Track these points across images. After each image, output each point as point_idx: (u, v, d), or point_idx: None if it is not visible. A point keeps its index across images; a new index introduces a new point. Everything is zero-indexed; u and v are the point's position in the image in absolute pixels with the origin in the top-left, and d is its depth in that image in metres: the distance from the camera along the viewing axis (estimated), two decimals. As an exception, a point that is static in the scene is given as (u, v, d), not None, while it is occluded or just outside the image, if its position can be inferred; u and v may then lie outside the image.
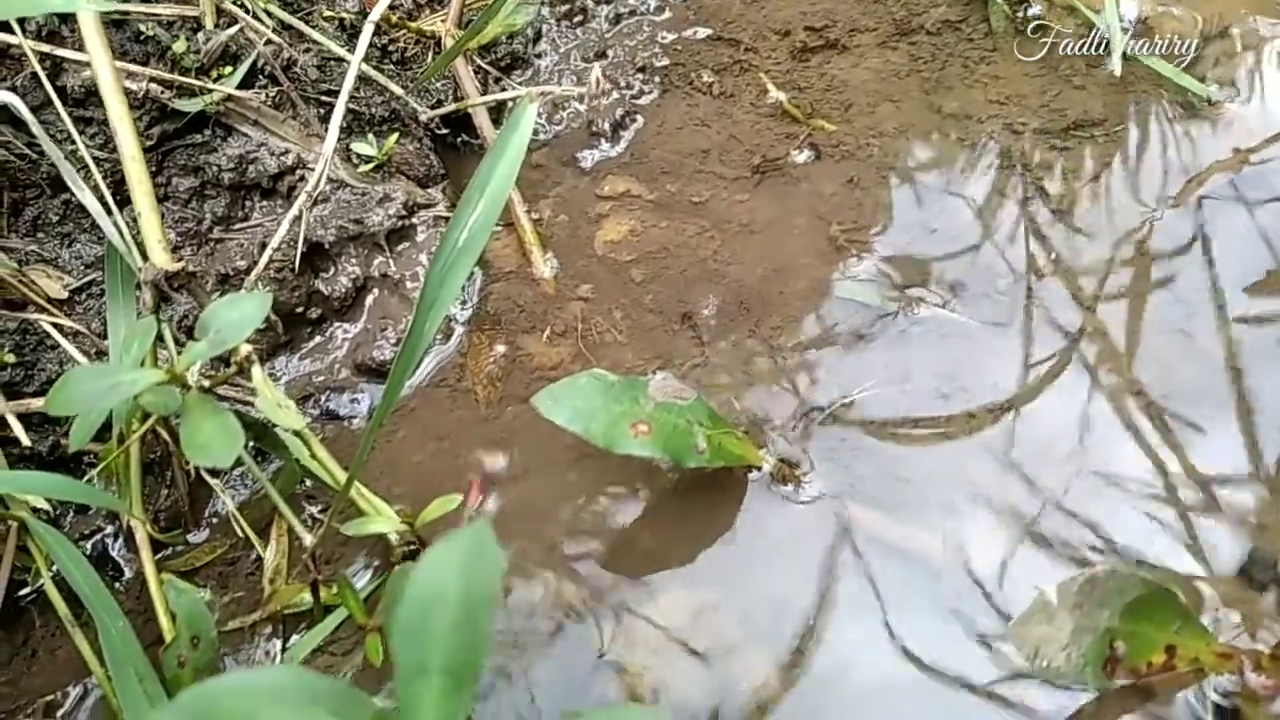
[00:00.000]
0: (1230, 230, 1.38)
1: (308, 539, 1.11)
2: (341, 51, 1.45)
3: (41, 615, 1.18)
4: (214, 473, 1.22)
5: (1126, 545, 1.12)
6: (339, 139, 1.32)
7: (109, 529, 1.23)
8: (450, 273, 1.02)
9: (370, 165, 1.43)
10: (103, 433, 1.08)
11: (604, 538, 1.18)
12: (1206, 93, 1.50)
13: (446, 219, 1.43)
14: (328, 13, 1.51)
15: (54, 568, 1.13)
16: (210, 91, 1.36)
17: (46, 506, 1.14)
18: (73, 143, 1.28)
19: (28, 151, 1.29)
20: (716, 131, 1.56)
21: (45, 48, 1.30)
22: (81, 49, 1.31)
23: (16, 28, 1.27)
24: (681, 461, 1.13)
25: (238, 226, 1.39)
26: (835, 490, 1.18)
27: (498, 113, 1.59)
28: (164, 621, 1.11)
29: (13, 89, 1.26)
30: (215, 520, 1.24)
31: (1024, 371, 1.27)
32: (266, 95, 1.40)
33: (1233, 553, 1.10)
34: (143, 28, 1.35)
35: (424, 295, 1.02)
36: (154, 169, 1.34)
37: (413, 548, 1.16)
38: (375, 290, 1.39)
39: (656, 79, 1.64)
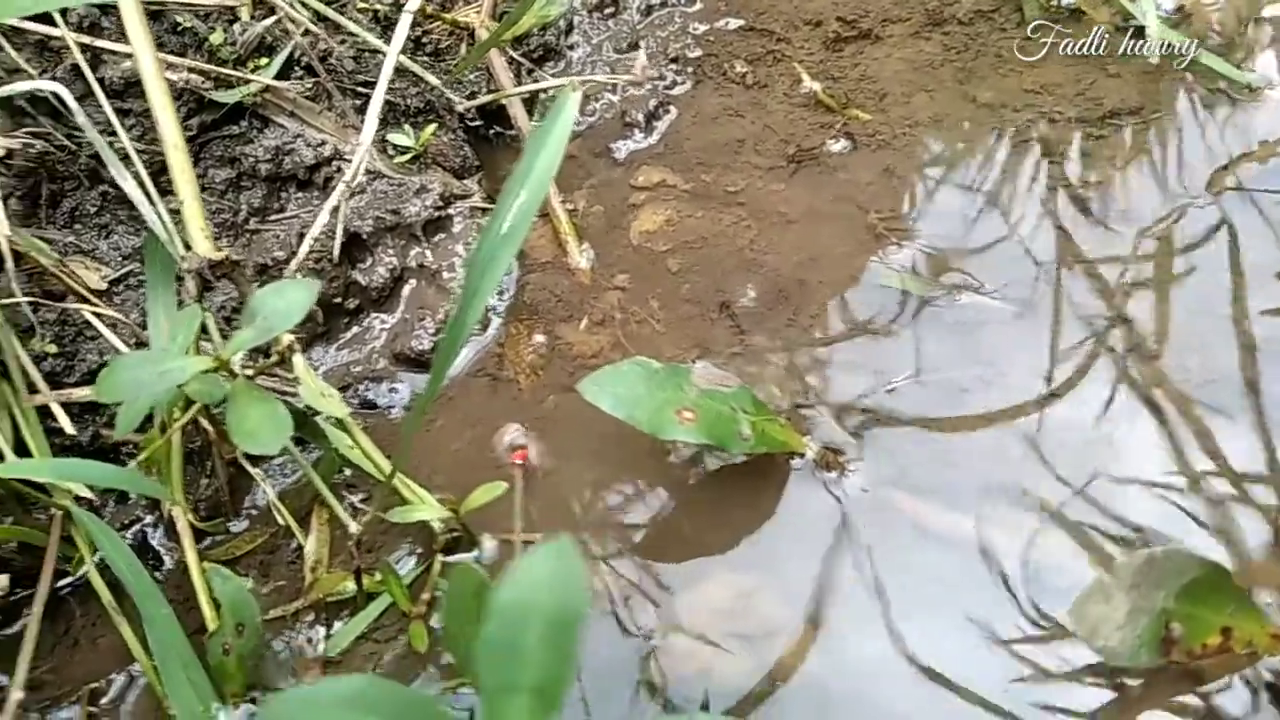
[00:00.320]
0: (1263, 219, 1.37)
1: (353, 526, 1.11)
2: (378, 43, 1.45)
3: (82, 605, 1.18)
4: (254, 462, 1.22)
5: (1172, 531, 1.11)
6: (375, 130, 1.32)
7: (148, 519, 1.23)
8: (493, 261, 1.01)
9: (407, 156, 1.43)
10: (142, 424, 1.08)
11: (646, 524, 1.18)
12: (1245, 79, 1.49)
13: (483, 210, 1.43)
14: (361, 4, 1.51)
15: (96, 555, 1.13)
16: (247, 82, 1.36)
17: (90, 496, 1.14)
18: (112, 134, 1.28)
19: (66, 143, 1.29)
20: (750, 121, 1.56)
21: (86, 39, 1.30)
22: (121, 40, 1.31)
23: (59, 19, 1.27)
24: (727, 447, 1.12)
25: (274, 218, 1.39)
26: (879, 476, 1.18)
27: (530, 104, 1.59)
28: (206, 610, 1.11)
29: (53, 80, 1.26)
30: (254, 510, 1.24)
31: (1065, 357, 1.26)
32: (303, 86, 1.40)
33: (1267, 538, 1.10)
34: (180, 19, 1.36)
35: (467, 283, 1.01)
36: (192, 160, 1.33)
37: (456, 535, 1.16)
38: (412, 281, 1.39)
39: (689, 69, 1.63)
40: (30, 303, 1.21)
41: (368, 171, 1.39)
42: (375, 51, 1.47)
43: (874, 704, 1.03)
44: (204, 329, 1.18)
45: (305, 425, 1.16)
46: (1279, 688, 0.97)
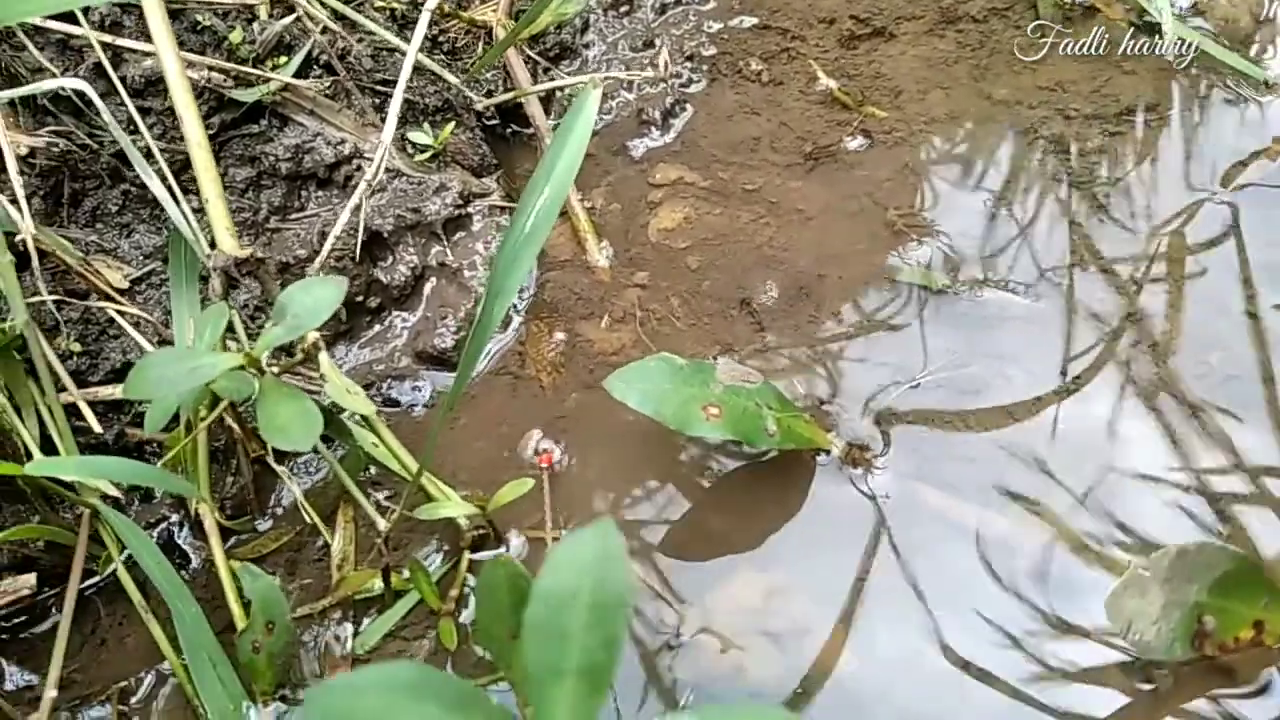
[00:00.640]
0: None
1: (381, 523, 1.11)
2: (397, 41, 1.45)
3: (108, 604, 1.18)
4: (279, 460, 1.22)
5: (1192, 527, 1.12)
6: (395, 128, 1.32)
7: (174, 517, 1.23)
8: (516, 261, 1.02)
9: (426, 155, 1.43)
10: (167, 423, 1.08)
11: (673, 521, 1.18)
12: (1262, 75, 1.50)
13: (502, 208, 1.43)
14: (379, 2, 1.51)
15: (124, 554, 1.13)
16: (267, 81, 1.36)
17: (116, 494, 1.14)
18: (134, 132, 1.28)
19: (88, 142, 1.29)
20: (767, 119, 1.56)
21: (108, 38, 1.30)
22: (142, 39, 1.31)
23: (81, 18, 1.27)
24: (753, 443, 1.13)
25: (294, 216, 1.39)
26: (905, 472, 1.18)
27: (547, 103, 1.59)
28: (234, 608, 1.12)
29: (77, 79, 1.26)
30: (280, 508, 1.24)
31: (1084, 353, 1.27)
32: (322, 85, 1.39)
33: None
34: (199, 18, 1.36)
35: (492, 282, 1.02)
36: (213, 159, 1.34)
37: (482, 532, 1.16)
38: (433, 279, 1.39)
39: (704, 67, 1.64)
40: (55, 301, 1.21)
41: (387, 170, 1.39)
42: (393, 50, 1.47)
43: (905, 702, 1.04)
44: (229, 326, 1.18)
45: (331, 423, 1.16)
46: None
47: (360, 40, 1.45)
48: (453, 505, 1.13)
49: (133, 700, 1.11)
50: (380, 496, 1.23)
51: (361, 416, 1.17)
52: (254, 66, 1.37)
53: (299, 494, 1.19)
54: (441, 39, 1.56)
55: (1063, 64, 1.58)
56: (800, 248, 1.40)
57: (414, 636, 1.13)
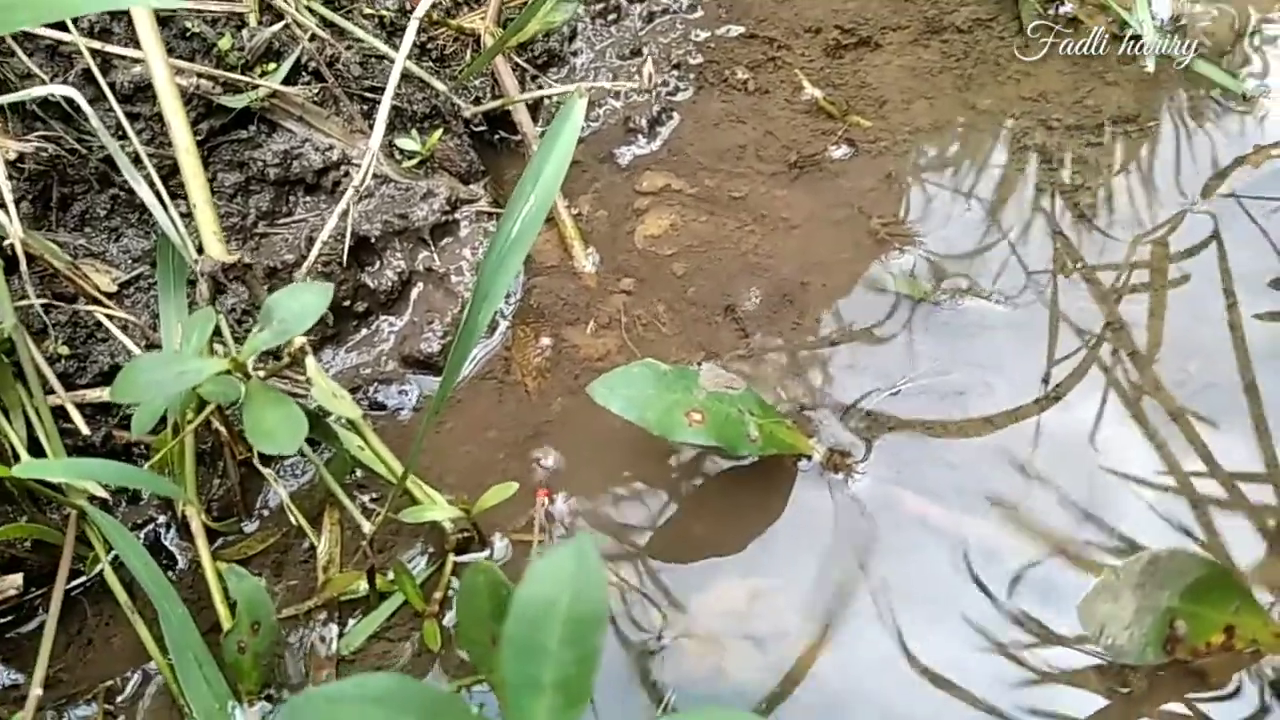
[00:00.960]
0: (1258, 226, 1.39)
1: (366, 526, 1.12)
2: (385, 48, 1.46)
3: (94, 604, 1.19)
4: (265, 462, 1.23)
5: (1171, 534, 1.13)
6: (383, 134, 1.33)
7: (161, 519, 1.23)
8: (503, 265, 1.03)
9: (414, 161, 1.44)
10: (154, 426, 1.09)
11: (656, 526, 1.19)
12: (1241, 88, 1.52)
13: (489, 214, 1.45)
14: (368, 10, 1.52)
15: (111, 554, 1.14)
16: (255, 87, 1.37)
17: (104, 495, 1.15)
18: (123, 137, 1.29)
19: (77, 147, 1.30)
20: (752, 128, 1.58)
21: (97, 44, 1.31)
22: (131, 45, 1.32)
23: (71, 25, 1.28)
24: (735, 449, 1.14)
25: (282, 222, 1.40)
26: (885, 478, 1.19)
27: (534, 110, 1.61)
28: (220, 609, 1.12)
29: (65, 85, 1.27)
30: (266, 510, 1.25)
31: (1064, 361, 1.28)
32: (310, 91, 1.41)
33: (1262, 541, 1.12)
34: (189, 24, 1.36)
35: (478, 287, 1.03)
36: (202, 164, 1.35)
37: (467, 535, 1.17)
38: (420, 284, 1.40)
39: (691, 76, 1.65)
40: (43, 304, 1.22)
41: (375, 176, 1.40)
42: (381, 57, 1.48)
43: (885, 707, 1.05)
44: (216, 331, 1.19)
45: (317, 426, 1.17)
46: (1281, 687, 1.00)
47: (349, 47, 1.46)
48: (437, 509, 1.14)
49: (119, 700, 1.12)
50: (366, 499, 1.24)
51: (347, 420, 1.18)
52: (243, 73, 1.38)
53: (285, 496, 1.20)
54: (430, 46, 1.57)
55: (1046, 75, 1.59)
56: (784, 255, 1.41)
57: (399, 638, 1.14)
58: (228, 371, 1.02)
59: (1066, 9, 1.66)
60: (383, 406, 1.33)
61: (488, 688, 1.06)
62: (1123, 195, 1.44)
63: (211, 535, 1.20)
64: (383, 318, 1.39)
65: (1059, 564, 1.12)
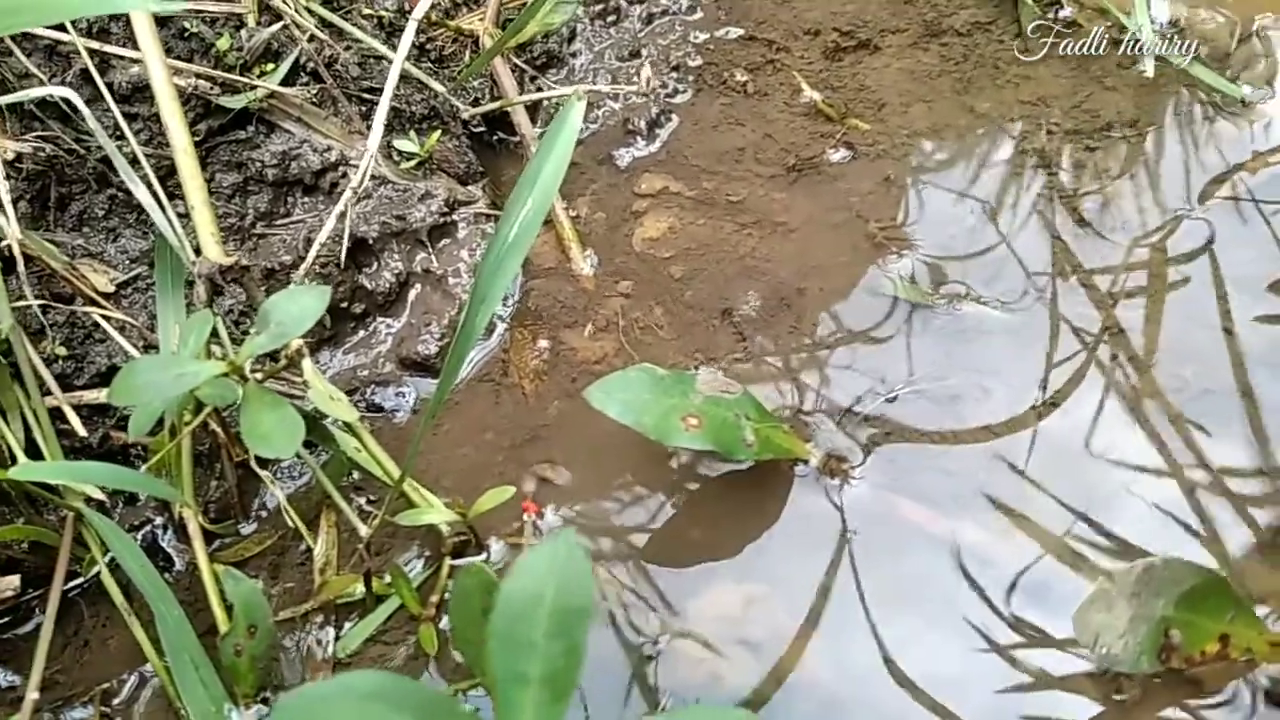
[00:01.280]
0: (1257, 230, 1.39)
1: (362, 529, 1.12)
2: (383, 49, 1.46)
3: (91, 606, 1.19)
4: (263, 465, 1.23)
5: (1167, 540, 1.13)
6: (381, 136, 1.33)
7: (158, 520, 1.24)
8: (501, 267, 1.03)
9: (412, 162, 1.44)
10: (151, 428, 1.09)
11: (652, 530, 1.20)
12: (1239, 93, 1.52)
13: (487, 216, 1.45)
14: (366, 10, 1.52)
15: (107, 556, 1.14)
16: (254, 88, 1.37)
17: (101, 497, 1.15)
18: (121, 138, 1.29)
19: (75, 147, 1.30)
20: (751, 130, 1.57)
21: (94, 44, 1.31)
22: (129, 45, 1.32)
23: (69, 25, 1.28)
24: (732, 454, 1.14)
25: (280, 222, 1.40)
26: (882, 484, 1.19)
27: (533, 111, 1.61)
28: (217, 612, 1.12)
29: (63, 85, 1.27)
30: (264, 512, 1.25)
31: (1062, 366, 1.28)
32: (308, 92, 1.41)
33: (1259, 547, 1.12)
34: (187, 25, 1.36)
35: (475, 289, 1.03)
36: (199, 165, 1.35)
37: (463, 539, 1.17)
38: (418, 286, 1.40)
39: (690, 78, 1.65)
40: (40, 305, 1.22)
41: (373, 177, 1.40)
42: (380, 58, 1.48)
43: (880, 712, 1.05)
44: (213, 333, 1.19)
45: (314, 429, 1.17)
46: (1277, 694, 0.99)
47: (347, 48, 1.46)
48: (434, 512, 1.15)
49: (115, 702, 1.12)
50: (363, 501, 1.24)
51: (344, 422, 1.18)
52: (241, 74, 1.38)
53: (282, 498, 1.20)
54: (429, 47, 1.57)
55: (1045, 79, 1.59)
56: (782, 259, 1.41)
57: (395, 641, 1.14)
58: (225, 374, 1.02)
59: (1066, 13, 1.66)
60: (380, 409, 1.33)
61: (484, 691, 1.06)
62: (1121, 199, 1.45)
63: (209, 537, 1.20)
64: (380, 319, 1.39)
65: (1055, 569, 1.13)
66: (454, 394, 1.33)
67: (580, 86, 1.58)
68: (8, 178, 1.22)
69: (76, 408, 1.20)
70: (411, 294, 1.40)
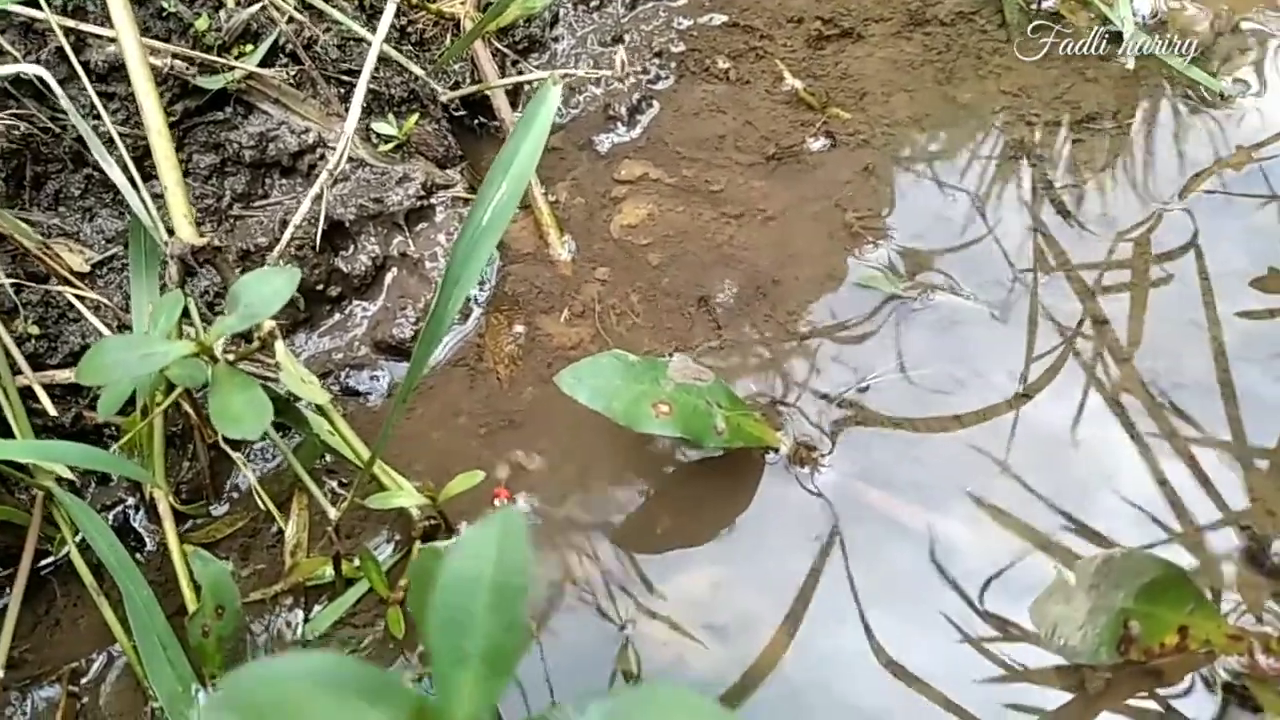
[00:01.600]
0: (1238, 225, 1.39)
1: (331, 512, 1.12)
2: (363, 31, 1.46)
3: (63, 585, 1.19)
4: (235, 446, 1.23)
5: (1141, 533, 1.13)
6: (359, 118, 1.32)
7: (130, 501, 1.24)
8: (474, 251, 1.03)
9: (390, 145, 1.44)
10: (124, 407, 1.09)
11: (623, 516, 1.20)
12: (1219, 87, 1.52)
13: (465, 200, 1.44)
14: (348, -8, 1.52)
15: (78, 536, 1.14)
16: (232, 69, 1.37)
17: (71, 477, 1.15)
18: (97, 117, 1.28)
19: (50, 125, 1.30)
20: (732, 118, 1.57)
21: (70, 23, 1.30)
22: (106, 24, 1.31)
23: (44, 2, 1.27)
24: (701, 441, 1.14)
25: (258, 204, 1.40)
26: (852, 472, 1.20)
27: (514, 96, 1.60)
28: (186, 592, 1.13)
29: (38, 63, 1.27)
30: (236, 494, 1.25)
31: (1039, 358, 1.28)
32: (287, 74, 1.40)
33: (1236, 540, 1.12)
34: (165, 4, 1.36)
35: (449, 273, 1.03)
36: (175, 145, 1.34)
37: (433, 523, 1.18)
38: (394, 269, 1.40)
39: (672, 64, 1.65)
40: (13, 284, 1.22)
41: (351, 159, 1.40)
42: (359, 40, 1.47)
43: (843, 698, 1.06)
44: (186, 313, 1.18)
45: (286, 411, 1.17)
46: (1236, 686, 1.00)
47: (327, 30, 1.46)
48: (404, 495, 1.15)
49: (83, 681, 1.12)
50: (335, 484, 1.24)
51: (316, 405, 1.18)
52: (219, 54, 1.37)
53: (254, 480, 1.20)
54: (409, 30, 1.57)
55: (1027, 70, 1.59)
56: (760, 247, 1.41)
57: (364, 624, 1.14)
58: (194, 355, 1.01)
59: (1049, 4, 1.66)
60: (355, 392, 1.33)
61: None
62: (1102, 192, 1.45)
63: (180, 518, 1.20)
64: (356, 302, 1.39)
65: (1026, 560, 1.13)
66: (428, 378, 1.33)
67: (555, 71, 1.58)
68: (-18, 156, 1.22)
69: (50, 387, 1.20)
70: (388, 277, 1.40)
